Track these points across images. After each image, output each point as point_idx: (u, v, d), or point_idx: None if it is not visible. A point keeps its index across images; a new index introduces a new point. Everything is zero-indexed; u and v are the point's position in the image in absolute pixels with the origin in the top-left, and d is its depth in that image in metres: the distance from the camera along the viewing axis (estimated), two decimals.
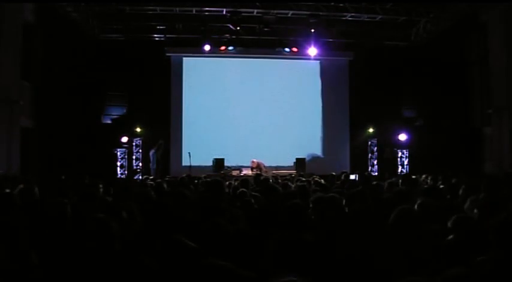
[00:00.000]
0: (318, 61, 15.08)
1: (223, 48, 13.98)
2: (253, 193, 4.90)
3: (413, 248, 2.75)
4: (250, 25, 13.12)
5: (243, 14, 12.39)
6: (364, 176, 9.35)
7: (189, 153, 13.80)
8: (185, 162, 13.94)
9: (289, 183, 6.79)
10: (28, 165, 10.22)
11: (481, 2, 11.66)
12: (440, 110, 13.88)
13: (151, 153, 13.56)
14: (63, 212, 3.33)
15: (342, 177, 7.84)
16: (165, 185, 6.16)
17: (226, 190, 5.42)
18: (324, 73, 15.21)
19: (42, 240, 2.87)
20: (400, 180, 6.03)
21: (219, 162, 13.80)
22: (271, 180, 7.36)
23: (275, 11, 12.36)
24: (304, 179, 8.70)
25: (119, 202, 3.90)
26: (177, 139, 14.59)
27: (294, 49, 14.11)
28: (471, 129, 12.83)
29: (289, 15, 12.74)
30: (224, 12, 12.46)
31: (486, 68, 12.35)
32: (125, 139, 13.47)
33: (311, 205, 3.77)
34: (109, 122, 14.26)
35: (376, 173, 14.21)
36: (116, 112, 14.36)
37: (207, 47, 13.43)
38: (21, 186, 4.80)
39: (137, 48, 13.60)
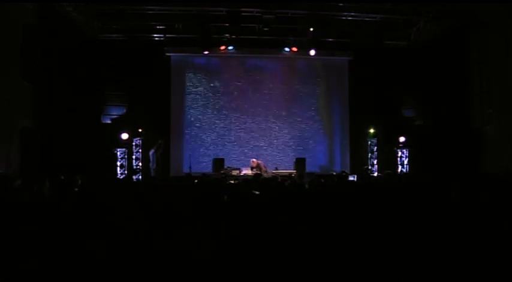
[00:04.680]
0: (318, 61, 15.09)
1: (223, 48, 14.00)
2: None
3: None
4: (250, 25, 13.12)
5: (243, 13, 12.39)
6: (363, 176, 9.35)
7: (189, 155, 13.82)
8: (185, 162, 13.97)
9: None
10: (28, 165, 10.22)
11: (481, 2, 11.66)
12: (440, 109, 13.88)
13: (151, 153, 13.57)
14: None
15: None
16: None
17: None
18: (323, 73, 15.22)
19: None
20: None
21: (218, 162, 13.84)
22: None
23: (275, 11, 12.36)
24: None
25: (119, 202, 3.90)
26: (177, 139, 14.60)
27: (294, 49, 14.13)
28: (471, 129, 12.82)
29: (289, 15, 12.74)
30: (224, 12, 12.46)
31: (486, 68, 12.35)
32: (125, 136, 13.45)
33: None
34: (109, 122, 14.26)
35: (376, 173, 14.22)
36: (116, 112, 14.35)
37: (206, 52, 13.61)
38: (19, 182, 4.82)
39: (137, 48, 13.60)
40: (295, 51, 14.22)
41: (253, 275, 2.58)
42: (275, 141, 14.84)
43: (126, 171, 13.50)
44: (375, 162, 14.60)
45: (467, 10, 12.18)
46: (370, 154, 14.76)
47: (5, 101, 9.90)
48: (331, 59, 15.10)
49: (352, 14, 12.65)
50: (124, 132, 13.47)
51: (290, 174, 12.32)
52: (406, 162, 14.25)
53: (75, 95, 12.74)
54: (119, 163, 13.48)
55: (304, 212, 3.59)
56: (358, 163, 14.64)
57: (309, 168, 13.88)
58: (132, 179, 12.86)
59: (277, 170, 13.34)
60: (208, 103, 14.78)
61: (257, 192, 4.68)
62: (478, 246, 2.79)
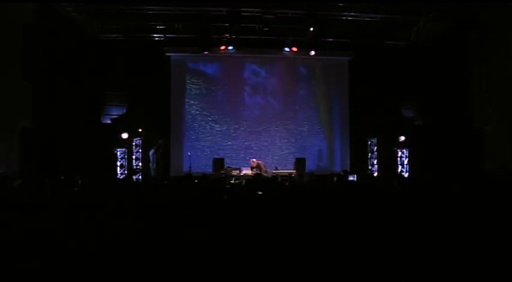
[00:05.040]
0: (318, 61, 15.10)
1: (223, 48, 14.00)
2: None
3: None
4: (250, 25, 13.12)
5: (243, 13, 12.40)
6: (365, 176, 9.35)
7: (189, 155, 13.83)
8: (185, 162, 13.97)
9: None
10: (28, 165, 10.22)
11: (481, 2, 11.66)
12: (440, 109, 13.88)
13: (151, 153, 13.57)
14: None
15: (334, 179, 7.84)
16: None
17: None
18: (323, 73, 15.22)
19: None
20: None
21: (218, 162, 13.82)
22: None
23: (275, 11, 12.36)
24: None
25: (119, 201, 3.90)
26: (177, 139, 14.60)
27: (294, 49, 14.14)
28: (471, 129, 12.82)
29: (289, 15, 12.74)
30: (224, 12, 12.47)
31: (486, 68, 12.34)
32: (125, 135, 13.44)
33: None
34: (109, 122, 14.26)
35: (376, 173, 14.22)
36: (116, 112, 14.35)
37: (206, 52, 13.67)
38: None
39: (137, 48, 13.61)
40: (295, 51, 14.22)
41: (253, 276, 2.58)
42: (275, 141, 14.84)
43: (126, 171, 13.49)
44: (375, 162, 14.60)
45: (468, 10, 12.18)
46: (370, 154, 14.76)
47: (5, 101, 9.90)
48: (331, 59, 15.09)
49: (352, 14, 12.65)
50: (124, 132, 13.46)
51: (290, 174, 12.32)
52: (406, 162, 14.25)
53: (75, 95, 12.74)
54: (119, 163, 13.48)
55: (304, 212, 3.59)
56: (358, 163, 14.64)
57: (309, 168, 13.87)
58: (132, 179, 12.86)
59: (277, 170, 13.33)
60: (208, 103, 14.78)
61: (260, 193, 4.69)
62: (477, 246, 2.79)
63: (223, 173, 12.41)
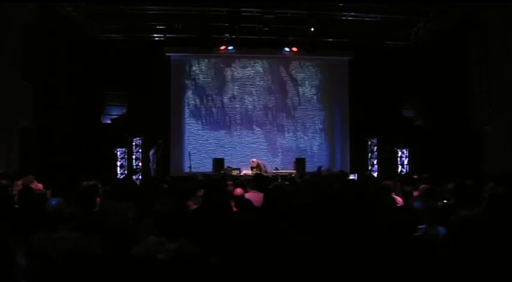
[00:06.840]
0: (318, 61, 15.10)
1: (223, 48, 14.00)
2: None
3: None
4: (250, 25, 13.12)
5: (243, 13, 12.40)
6: (365, 176, 9.34)
7: (189, 153, 13.81)
8: (185, 162, 13.96)
9: None
10: (28, 165, 10.22)
11: (481, 2, 11.66)
12: (440, 109, 13.88)
13: (151, 153, 13.57)
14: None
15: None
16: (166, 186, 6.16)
17: None
18: (323, 73, 15.21)
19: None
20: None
21: (218, 162, 13.81)
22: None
23: (275, 11, 12.37)
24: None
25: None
26: (177, 139, 14.60)
27: (294, 49, 14.14)
28: (471, 129, 12.82)
29: (289, 15, 12.74)
30: (224, 12, 12.48)
31: (486, 68, 12.34)
32: (125, 136, 13.43)
33: None
34: (109, 122, 14.26)
35: (376, 173, 14.22)
36: (116, 112, 14.36)
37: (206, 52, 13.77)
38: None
39: (137, 48, 13.61)
40: (295, 51, 14.22)
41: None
42: (275, 141, 14.84)
43: (126, 171, 13.49)
44: (375, 162, 14.60)
45: (468, 10, 12.18)
46: (370, 154, 14.76)
47: (5, 101, 9.90)
48: (331, 59, 15.09)
49: (352, 14, 12.66)
50: (124, 132, 13.46)
51: (290, 174, 12.31)
52: (406, 162, 14.25)
53: (75, 95, 12.74)
54: (119, 163, 13.48)
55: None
56: (358, 163, 14.63)
57: (309, 168, 13.86)
58: (132, 179, 12.85)
59: (277, 170, 13.33)
60: (208, 103, 14.77)
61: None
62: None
63: (223, 173, 12.39)
